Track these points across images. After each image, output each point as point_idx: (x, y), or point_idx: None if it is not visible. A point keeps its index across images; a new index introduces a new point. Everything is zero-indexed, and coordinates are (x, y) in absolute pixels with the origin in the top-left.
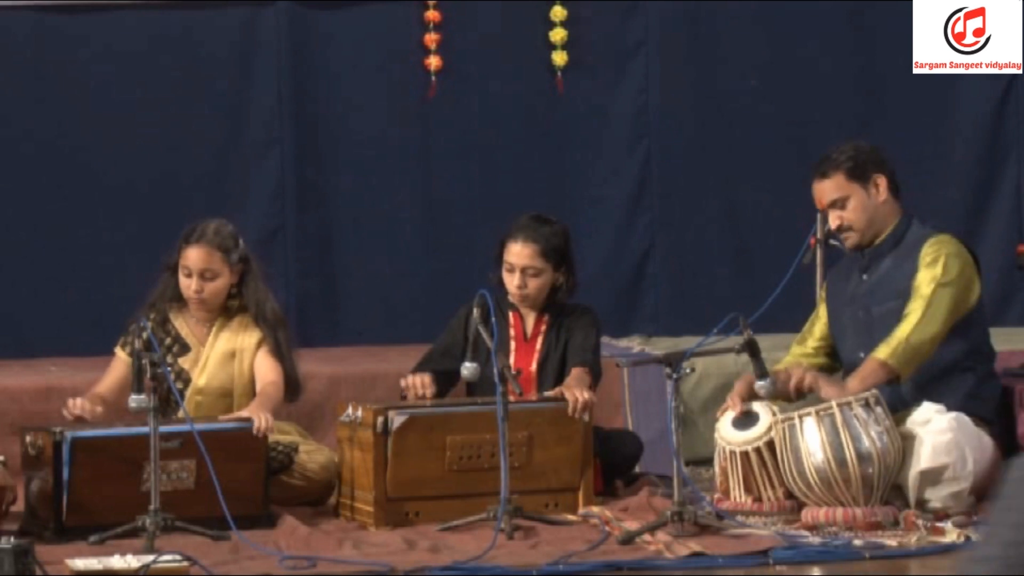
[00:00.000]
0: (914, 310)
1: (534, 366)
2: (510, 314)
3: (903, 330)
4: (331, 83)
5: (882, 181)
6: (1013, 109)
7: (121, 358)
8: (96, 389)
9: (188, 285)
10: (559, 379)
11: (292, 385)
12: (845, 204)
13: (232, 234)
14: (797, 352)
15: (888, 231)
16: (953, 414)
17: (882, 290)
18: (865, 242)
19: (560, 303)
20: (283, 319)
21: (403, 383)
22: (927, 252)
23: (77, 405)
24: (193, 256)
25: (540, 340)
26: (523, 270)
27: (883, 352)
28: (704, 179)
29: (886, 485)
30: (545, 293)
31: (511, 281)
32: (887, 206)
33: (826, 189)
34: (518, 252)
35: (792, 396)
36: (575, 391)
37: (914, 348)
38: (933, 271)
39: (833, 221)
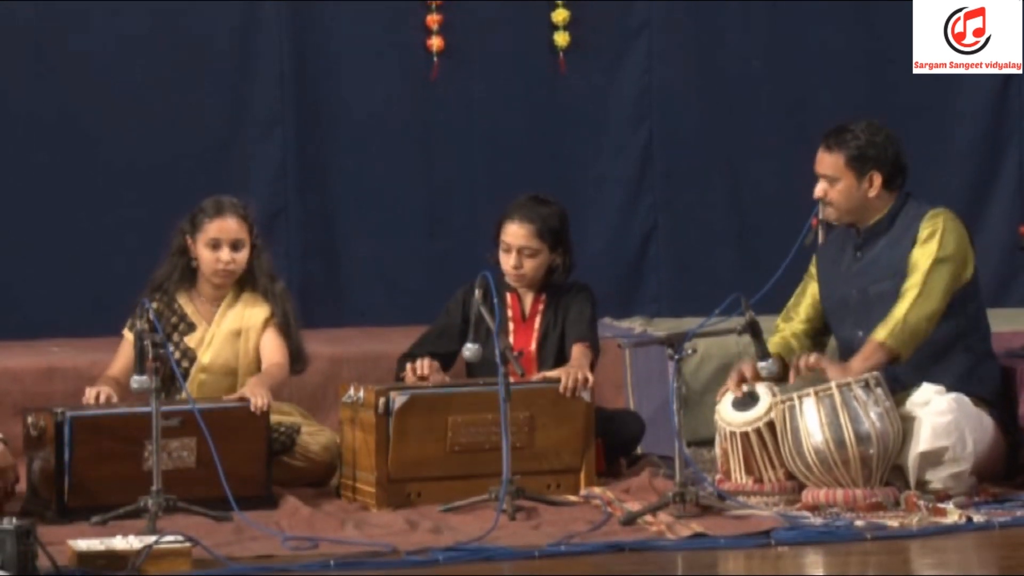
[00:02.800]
0: (911, 287)
1: (533, 346)
2: (508, 295)
3: (900, 309)
4: (333, 64)
5: (877, 179)
6: (1015, 92)
7: (129, 340)
8: (109, 372)
9: (217, 258)
10: (559, 358)
11: (299, 358)
12: (835, 183)
13: (247, 206)
14: (785, 330)
15: (883, 213)
16: (952, 395)
17: (877, 269)
18: (843, 223)
19: (557, 283)
20: (288, 293)
21: (408, 368)
22: (924, 227)
23: (92, 396)
24: (226, 226)
25: (538, 320)
26: (519, 250)
27: (881, 333)
28: (706, 160)
29: (885, 467)
30: (542, 273)
31: (507, 261)
32: (877, 200)
33: (825, 162)
34: (514, 232)
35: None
36: (570, 370)
37: (912, 328)
38: (929, 247)
39: (819, 189)
